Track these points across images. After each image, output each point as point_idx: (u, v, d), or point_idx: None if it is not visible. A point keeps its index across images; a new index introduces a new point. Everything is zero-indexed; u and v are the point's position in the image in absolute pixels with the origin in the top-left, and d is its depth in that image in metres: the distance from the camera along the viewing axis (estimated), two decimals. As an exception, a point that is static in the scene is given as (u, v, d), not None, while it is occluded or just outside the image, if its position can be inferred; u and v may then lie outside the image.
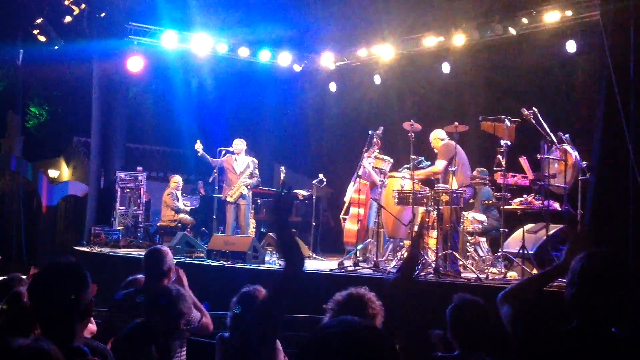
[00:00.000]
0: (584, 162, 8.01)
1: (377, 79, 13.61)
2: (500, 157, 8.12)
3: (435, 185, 8.80)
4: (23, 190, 15.97)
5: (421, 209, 8.55)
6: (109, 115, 14.41)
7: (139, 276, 5.18)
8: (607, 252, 2.52)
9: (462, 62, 12.22)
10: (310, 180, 12.05)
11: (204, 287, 8.70)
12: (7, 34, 12.45)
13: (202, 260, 9.76)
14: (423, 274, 7.67)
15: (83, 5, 11.19)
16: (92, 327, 4.52)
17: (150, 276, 4.63)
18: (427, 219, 8.41)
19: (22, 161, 18.71)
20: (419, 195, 8.38)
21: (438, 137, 9.05)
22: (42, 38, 11.81)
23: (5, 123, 20.13)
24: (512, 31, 11.18)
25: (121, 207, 13.47)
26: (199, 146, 11.16)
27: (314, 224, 11.58)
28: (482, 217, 9.36)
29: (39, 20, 11.56)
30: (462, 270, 8.05)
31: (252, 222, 11.63)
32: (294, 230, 2.48)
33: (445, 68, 12.31)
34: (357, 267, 8.53)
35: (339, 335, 1.54)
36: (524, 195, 8.43)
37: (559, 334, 2.46)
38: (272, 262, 9.82)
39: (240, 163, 11.04)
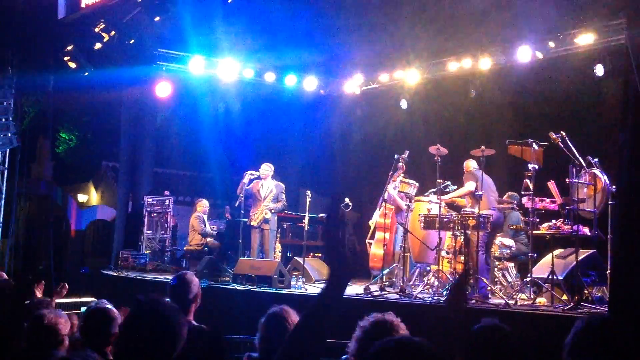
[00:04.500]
0: (614, 187, 7.90)
1: (403, 104, 13.61)
2: (528, 181, 8.06)
3: (462, 209, 8.75)
4: (52, 215, 16.17)
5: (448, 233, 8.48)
6: (137, 140, 14.58)
7: (167, 300, 5.19)
8: (604, 317, 2.47)
9: (489, 85, 12.19)
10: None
11: (229, 311, 8.73)
12: (38, 61, 12.69)
13: (228, 285, 9.77)
14: (450, 299, 7.58)
15: (113, 32, 11.37)
16: None
17: (177, 304, 4.63)
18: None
19: (52, 186, 18.99)
20: (445, 219, 8.32)
21: (470, 166, 9.08)
22: (72, 65, 12.01)
23: (35, 148, 20.46)
24: (539, 55, 11.13)
25: (148, 232, 13.56)
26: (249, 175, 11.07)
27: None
28: (510, 242, 9.26)
29: (69, 47, 11.77)
30: (490, 295, 7.94)
31: (278, 247, 11.62)
32: (345, 247, 2.27)
33: (472, 92, 12.28)
34: (384, 292, 8.46)
35: (396, 350, 1.54)
36: (553, 220, 8.32)
37: None
38: (298, 286, 9.80)
39: (265, 188, 11.07)
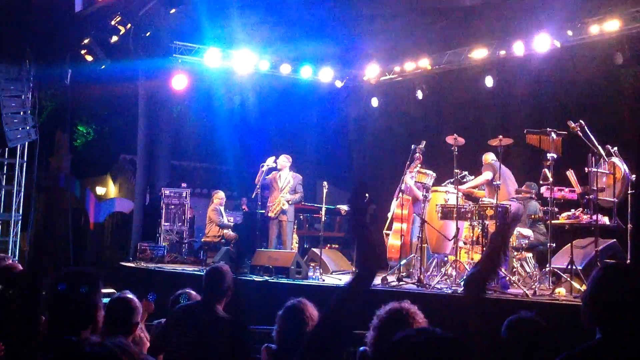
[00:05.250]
0: (633, 176, 7.82)
1: (419, 94, 13.56)
2: (546, 170, 7.99)
3: (480, 199, 8.71)
4: (71, 207, 16.29)
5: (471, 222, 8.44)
6: (154, 133, 14.64)
7: (189, 290, 5.22)
8: (622, 265, 2.47)
9: (506, 75, 12.10)
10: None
11: (247, 302, 8.75)
12: (55, 55, 12.74)
13: (246, 276, 9.80)
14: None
15: (129, 25, 11.40)
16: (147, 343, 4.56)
17: (209, 294, 4.67)
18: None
19: (70, 178, 19.13)
20: (463, 209, 8.29)
21: (489, 158, 9.05)
22: (89, 58, 12.05)
23: (54, 142, 20.61)
24: (557, 43, 11.02)
25: (166, 224, 13.64)
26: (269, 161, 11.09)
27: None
28: (528, 232, 9.20)
29: (86, 41, 11.81)
30: (509, 286, 7.91)
31: (295, 238, 11.64)
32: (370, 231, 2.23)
33: (489, 82, 12.19)
34: (401, 283, 8.45)
35: (421, 344, 1.53)
36: (572, 210, 8.26)
37: (583, 351, 2.41)
38: (315, 277, 9.81)
39: (283, 179, 11.08)
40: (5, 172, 12.82)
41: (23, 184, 12.67)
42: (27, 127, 11.89)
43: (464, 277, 7.71)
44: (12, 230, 12.50)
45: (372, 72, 14.12)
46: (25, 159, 12.71)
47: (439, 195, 9.01)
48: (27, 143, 12.51)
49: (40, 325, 3.96)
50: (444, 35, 11.88)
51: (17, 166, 12.62)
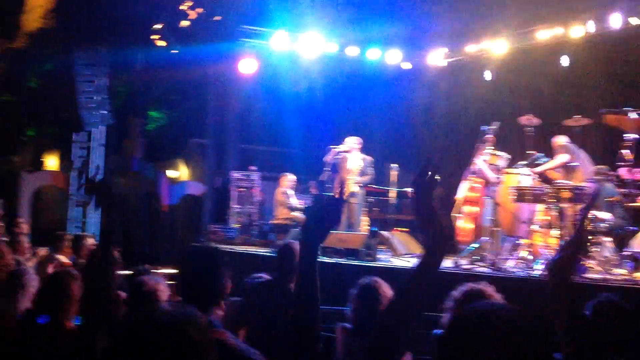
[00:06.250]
0: None
1: (487, 75, 13.29)
2: (626, 151, 7.73)
3: (554, 181, 8.50)
4: (145, 190, 16.73)
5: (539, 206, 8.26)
6: (223, 117, 14.84)
7: (263, 275, 5.29)
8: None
9: (582, 54, 11.72)
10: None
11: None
12: (129, 41, 13.06)
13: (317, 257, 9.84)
14: (544, 272, 7.41)
15: (199, 10, 11.57)
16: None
17: (282, 271, 4.73)
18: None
19: (144, 162, 19.64)
20: (538, 191, 8.10)
21: (561, 140, 8.82)
22: (161, 43, 12.30)
23: (127, 126, 21.13)
24: (633, 21, 10.61)
25: (236, 206, 13.85)
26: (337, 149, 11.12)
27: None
28: (605, 215, 8.91)
29: (158, 26, 12.05)
30: (586, 270, 7.71)
31: (366, 220, 11.63)
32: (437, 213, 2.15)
33: (564, 61, 11.83)
34: (473, 266, 8.35)
35: (487, 313, 1.51)
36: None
37: None
38: (385, 259, 9.80)
39: (352, 161, 11.07)
40: (83, 155, 13.27)
41: (101, 167, 13.09)
42: (103, 112, 12.25)
43: (548, 261, 7.56)
44: (90, 212, 12.96)
45: (440, 53, 13.91)
46: (102, 142, 13.12)
47: (513, 178, 8.83)
48: (104, 127, 12.90)
49: (119, 301, 4.10)
50: (517, 13, 11.57)
51: (93, 150, 13.05)
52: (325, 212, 2.29)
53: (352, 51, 13.95)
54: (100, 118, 12.33)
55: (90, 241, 6.90)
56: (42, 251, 7.67)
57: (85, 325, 2.16)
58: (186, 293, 2.85)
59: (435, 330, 3.56)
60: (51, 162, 28.49)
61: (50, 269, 5.82)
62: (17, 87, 28.35)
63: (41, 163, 28.52)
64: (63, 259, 6.87)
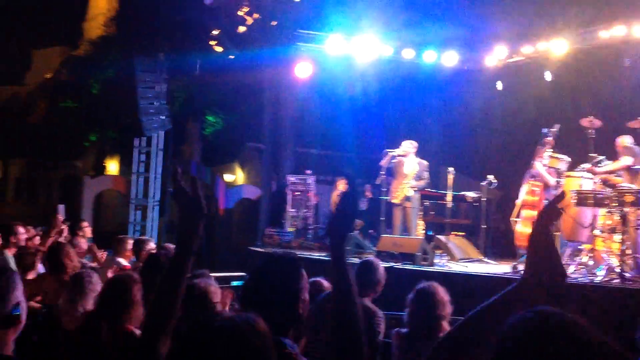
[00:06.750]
0: None
1: (547, 76, 13.01)
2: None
3: (617, 185, 8.25)
4: (202, 194, 16.96)
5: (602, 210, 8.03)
6: (279, 121, 14.94)
7: (320, 279, 5.29)
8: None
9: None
10: (479, 183, 11.75)
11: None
12: (187, 47, 13.29)
13: (371, 262, 9.80)
14: (607, 279, 7.20)
15: (256, 15, 11.69)
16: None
17: (360, 287, 4.73)
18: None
19: (201, 166, 19.98)
20: (600, 195, 7.87)
21: (625, 142, 8.54)
22: (218, 49, 12.48)
23: (185, 131, 21.53)
24: None
25: (292, 210, 13.92)
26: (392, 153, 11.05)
27: (483, 227, 11.28)
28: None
29: (215, 32, 12.23)
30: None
31: (421, 224, 11.53)
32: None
33: (626, 61, 11.49)
34: (532, 271, 8.16)
35: (537, 321, 1.46)
36: None
37: None
38: (442, 264, 9.68)
39: (408, 165, 10.99)
40: (142, 159, 13.55)
41: (159, 172, 13.34)
42: (162, 117, 12.49)
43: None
44: (149, 215, 13.22)
45: (498, 54, 13.68)
46: (161, 147, 13.37)
47: (574, 181, 8.60)
48: (162, 132, 13.15)
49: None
50: (578, 13, 11.29)
51: (153, 154, 13.30)
52: (350, 205, 2.19)
53: (408, 54, 13.85)
54: (159, 123, 12.56)
55: (151, 245, 7.04)
56: (104, 254, 7.86)
57: (149, 329, 2.16)
58: (256, 306, 2.29)
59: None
60: (112, 166, 29.28)
61: (110, 273, 5.94)
62: (80, 93, 29.26)
63: (103, 168, 29.34)
64: (123, 262, 7.03)
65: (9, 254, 6.65)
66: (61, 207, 11.38)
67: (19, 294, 2.29)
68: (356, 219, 2.41)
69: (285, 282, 2.43)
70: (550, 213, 1.92)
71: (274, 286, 2.41)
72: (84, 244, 7.39)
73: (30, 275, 5.88)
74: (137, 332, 3.61)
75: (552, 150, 9.07)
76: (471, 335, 1.91)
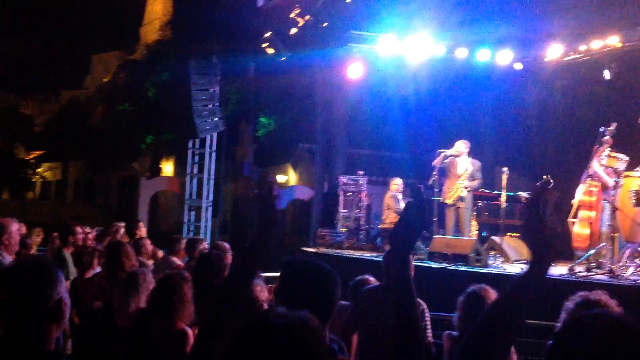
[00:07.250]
0: None
1: (606, 74, 12.67)
2: None
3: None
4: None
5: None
6: (331, 122, 14.97)
7: (367, 277, 5.30)
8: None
9: None
10: (534, 183, 11.53)
11: (424, 289, 8.70)
12: (239, 49, 13.43)
13: (423, 262, 9.75)
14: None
15: (307, 17, 11.73)
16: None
17: (390, 277, 4.73)
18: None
19: (254, 167, 20.18)
20: (661, 196, 7.64)
21: None
22: (270, 51, 12.56)
23: (238, 132, 21.77)
24: None
25: (344, 210, 13.93)
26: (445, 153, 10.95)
27: (539, 227, 11.04)
28: None
29: (267, 34, 12.32)
30: None
31: (474, 225, 11.38)
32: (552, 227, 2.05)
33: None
34: (590, 273, 7.98)
35: (602, 323, 1.43)
36: None
37: None
38: (496, 265, 9.54)
39: (460, 165, 10.86)
40: (196, 161, 13.76)
41: (213, 173, 13.53)
42: (216, 119, 12.66)
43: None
44: (203, 216, 13.41)
45: (554, 52, 13.38)
46: (214, 148, 13.55)
47: (633, 181, 8.35)
48: (215, 134, 13.32)
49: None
50: (638, 11, 10.97)
51: (207, 156, 13.49)
52: (421, 210, 2.20)
53: (461, 53, 13.66)
54: (212, 125, 12.74)
55: (203, 245, 7.15)
56: (160, 253, 8.03)
57: (207, 329, 2.18)
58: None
59: (549, 341, 3.43)
60: (167, 168, 29.83)
61: (165, 271, 6.05)
62: (137, 96, 29.94)
63: (158, 169, 29.92)
64: (177, 261, 7.15)
65: (67, 253, 6.86)
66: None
67: (61, 290, 2.27)
68: (424, 230, 2.39)
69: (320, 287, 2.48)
70: (537, 201, 2.02)
71: (308, 288, 2.46)
72: (149, 245, 7.53)
73: (89, 274, 6.05)
74: (188, 330, 3.67)
75: (610, 149, 8.84)
76: (494, 329, 1.97)
